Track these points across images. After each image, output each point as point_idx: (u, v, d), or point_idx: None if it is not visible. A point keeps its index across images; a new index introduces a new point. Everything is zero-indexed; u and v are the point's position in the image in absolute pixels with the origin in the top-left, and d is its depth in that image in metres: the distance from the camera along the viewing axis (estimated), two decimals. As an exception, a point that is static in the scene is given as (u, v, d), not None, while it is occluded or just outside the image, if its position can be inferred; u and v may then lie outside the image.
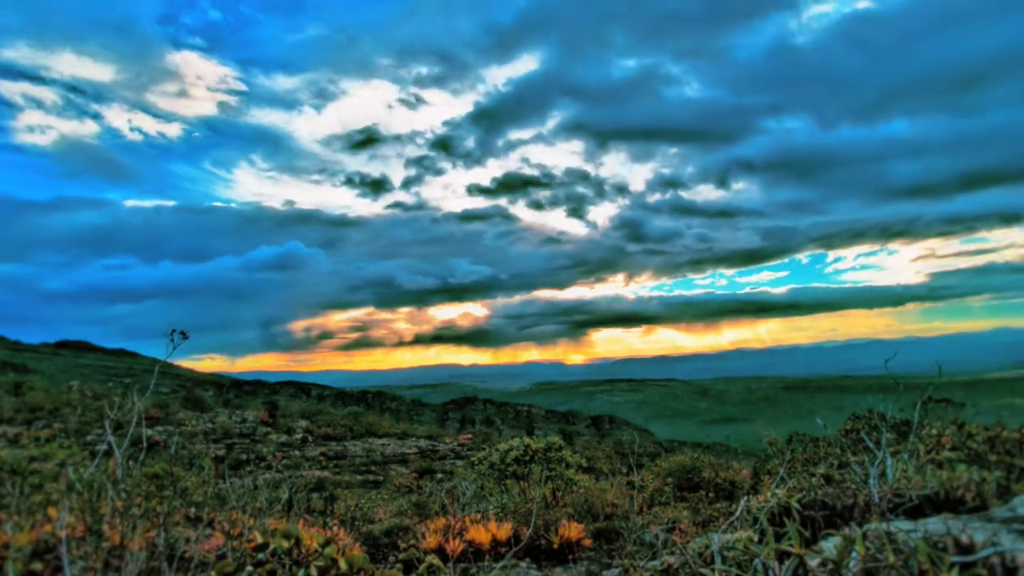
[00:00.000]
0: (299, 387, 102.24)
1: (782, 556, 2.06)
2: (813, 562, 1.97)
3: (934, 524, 2.27)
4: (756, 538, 2.83)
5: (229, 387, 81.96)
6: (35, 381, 32.26)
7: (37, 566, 2.78)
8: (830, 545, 2.24)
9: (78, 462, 4.00)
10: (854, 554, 1.89)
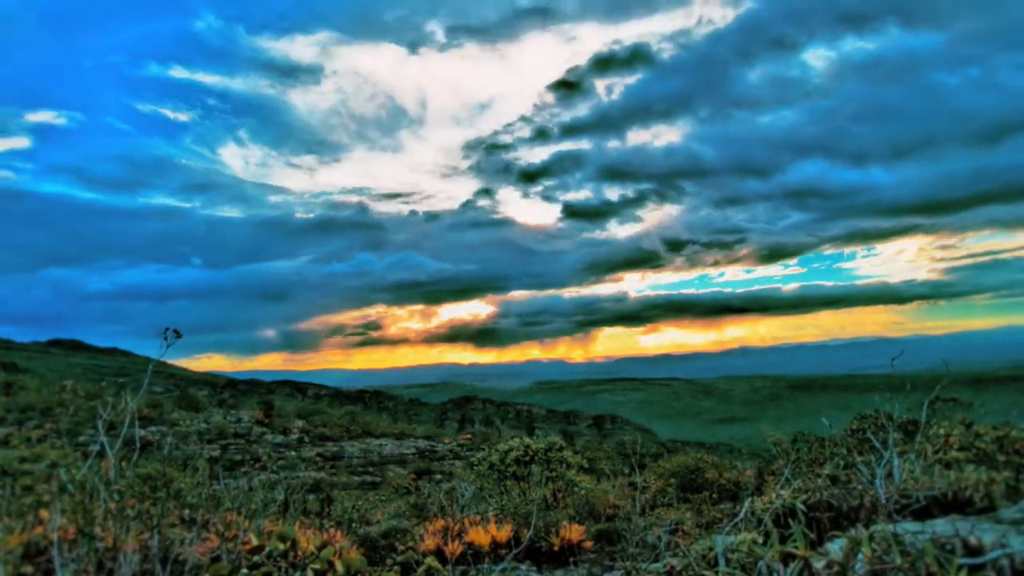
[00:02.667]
0: (295, 387, 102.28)
1: (787, 558, 2.06)
2: (819, 564, 1.97)
3: (942, 526, 2.27)
4: (760, 540, 2.82)
5: (224, 387, 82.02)
6: (26, 380, 32.26)
7: (28, 569, 2.78)
8: (836, 547, 2.24)
9: (70, 463, 4.00)
10: (860, 556, 1.88)
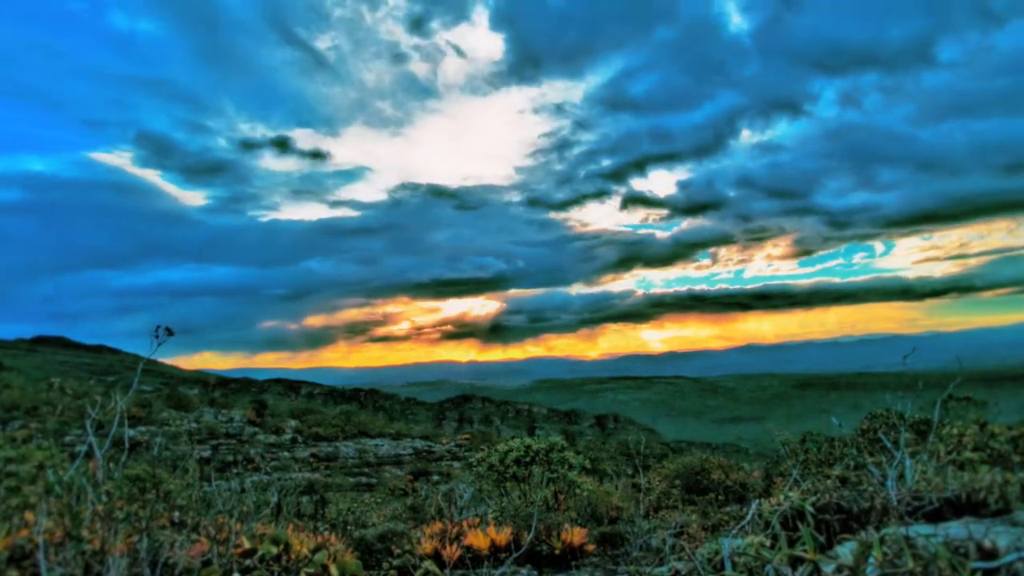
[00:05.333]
0: (288, 385, 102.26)
1: (795, 562, 2.06)
2: (828, 568, 1.98)
3: (955, 528, 2.27)
4: (768, 543, 2.83)
5: (215, 385, 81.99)
6: (10, 379, 32.26)
7: (13, 573, 2.79)
8: (846, 550, 2.24)
9: (57, 464, 4.00)
10: (871, 560, 1.89)
